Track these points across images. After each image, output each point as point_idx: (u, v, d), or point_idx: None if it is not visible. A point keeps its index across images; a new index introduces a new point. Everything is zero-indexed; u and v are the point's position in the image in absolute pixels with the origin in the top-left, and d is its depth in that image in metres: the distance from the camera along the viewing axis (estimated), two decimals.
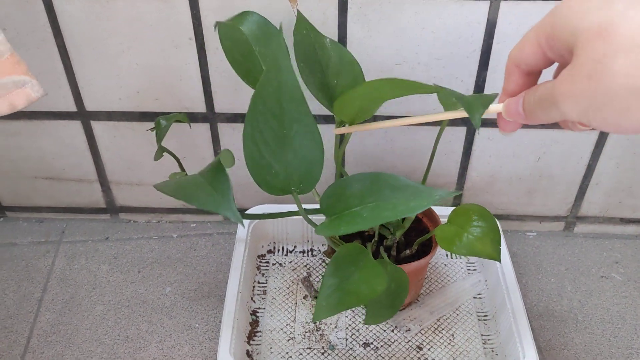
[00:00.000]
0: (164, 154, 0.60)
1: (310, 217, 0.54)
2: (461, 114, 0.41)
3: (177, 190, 0.48)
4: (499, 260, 0.53)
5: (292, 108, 0.46)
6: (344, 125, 0.51)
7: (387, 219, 0.43)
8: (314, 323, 0.66)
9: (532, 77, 0.38)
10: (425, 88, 0.41)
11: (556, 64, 0.37)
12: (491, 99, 0.40)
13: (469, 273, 0.72)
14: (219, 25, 0.56)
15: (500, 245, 0.53)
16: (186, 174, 0.60)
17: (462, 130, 0.68)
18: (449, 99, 0.54)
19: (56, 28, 0.62)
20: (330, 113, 0.55)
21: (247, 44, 0.56)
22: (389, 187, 0.44)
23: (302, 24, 0.56)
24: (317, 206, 0.52)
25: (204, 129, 0.69)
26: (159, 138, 0.59)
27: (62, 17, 0.61)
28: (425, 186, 0.44)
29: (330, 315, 0.49)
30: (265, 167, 0.49)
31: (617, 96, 0.30)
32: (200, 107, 0.67)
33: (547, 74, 0.39)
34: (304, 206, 0.54)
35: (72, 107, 0.68)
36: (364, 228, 0.45)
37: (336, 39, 0.61)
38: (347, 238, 0.64)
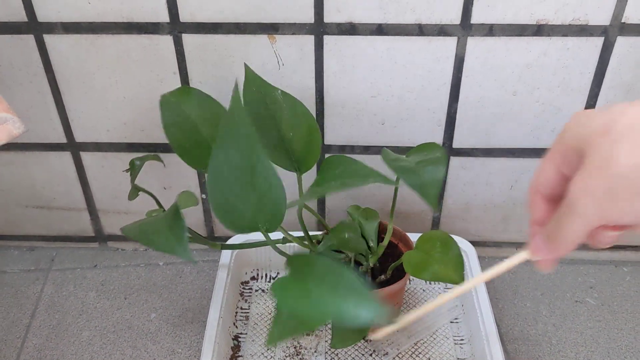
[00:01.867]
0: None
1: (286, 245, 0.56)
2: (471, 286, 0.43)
3: (140, 235, 0.50)
4: (461, 284, 0.55)
5: (252, 154, 0.48)
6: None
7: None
8: (294, 347, 0.67)
9: (555, 203, 0.38)
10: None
11: None
12: (440, 175, 0.47)
13: None
14: (162, 106, 0.58)
15: (463, 270, 0.55)
16: (163, 210, 0.62)
17: None
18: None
19: (47, 63, 0.65)
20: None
21: (194, 127, 0.58)
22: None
23: (252, 82, 0.59)
24: (296, 234, 0.54)
25: None
26: (133, 178, 0.61)
27: (53, 53, 0.64)
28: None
29: (283, 340, 0.50)
30: (230, 211, 0.50)
31: (628, 179, 0.31)
32: None
33: None
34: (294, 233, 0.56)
35: (62, 139, 0.71)
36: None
37: (313, 73, 0.65)
38: None
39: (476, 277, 0.44)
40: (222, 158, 0.48)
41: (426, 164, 0.52)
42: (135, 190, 0.61)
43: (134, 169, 0.60)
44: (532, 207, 0.40)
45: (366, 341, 0.68)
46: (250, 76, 0.59)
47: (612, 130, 0.32)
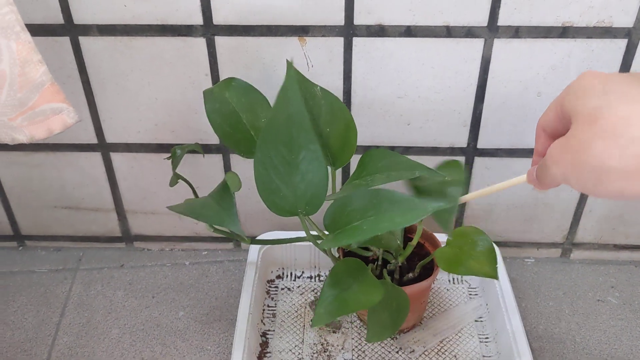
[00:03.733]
0: (179, 181, 0.64)
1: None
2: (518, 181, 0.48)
3: (187, 210, 0.52)
4: (497, 278, 0.56)
5: (300, 136, 0.50)
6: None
7: (385, 229, 0.47)
8: (319, 334, 0.68)
9: (554, 139, 0.43)
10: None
11: None
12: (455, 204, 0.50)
13: (470, 297, 0.74)
14: (205, 97, 0.60)
15: (496, 264, 0.56)
16: None
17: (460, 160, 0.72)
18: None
19: (81, 65, 0.66)
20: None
21: (235, 114, 0.60)
22: (387, 201, 0.48)
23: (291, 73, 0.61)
24: (324, 231, 0.56)
25: (217, 159, 0.73)
26: (174, 166, 0.63)
27: (87, 55, 0.66)
28: (419, 199, 0.47)
29: (329, 321, 0.52)
30: (274, 191, 0.53)
31: (593, 171, 0.36)
32: (214, 139, 0.72)
33: None
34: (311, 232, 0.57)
35: (93, 140, 0.72)
36: (363, 239, 0.48)
37: (341, 75, 0.66)
38: None
39: (483, 190, 0.53)
40: (272, 137, 0.49)
41: (444, 186, 0.54)
42: (175, 178, 0.62)
43: (175, 157, 0.62)
44: (537, 140, 0.46)
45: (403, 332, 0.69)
46: (290, 69, 0.61)
47: (596, 124, 0.36)
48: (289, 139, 0.51)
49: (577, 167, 0.37)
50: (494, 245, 0.74)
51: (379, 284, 0.54)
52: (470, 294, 0.75)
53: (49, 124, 0.51)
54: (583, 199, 0.75)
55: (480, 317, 0.72)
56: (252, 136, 0.60)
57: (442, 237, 0.69)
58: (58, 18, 0.63)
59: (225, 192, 0.50)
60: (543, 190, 0.46)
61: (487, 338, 0.70)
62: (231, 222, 0.48)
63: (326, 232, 0.61)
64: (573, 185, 0.39)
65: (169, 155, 0.65)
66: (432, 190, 0.53)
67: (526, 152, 0.71)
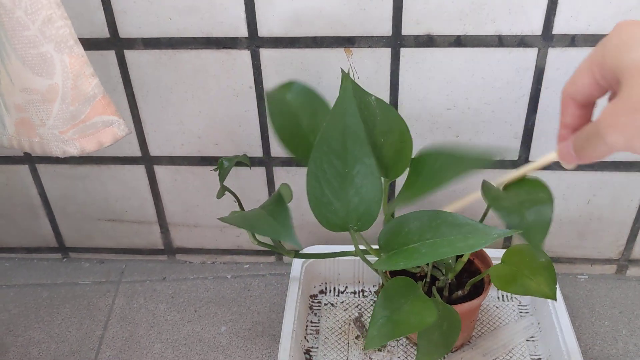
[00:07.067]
0: (225, 193, 0.63)
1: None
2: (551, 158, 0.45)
3: (241, 221, 0.51)
4: (555, 299, 0.53)
5: (355, 149, 0.48)
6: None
7: (445, 255, 0.45)
8: (364, 352, 0.66)
9: (587, 109, 0.40)
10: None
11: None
12: (547, 219, 0.45)
13: (521, 315, 0.72)
14: (267, 98, 0.59)
15: (555, 284, 0.53)
16: None
17: None
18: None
19: (126, 78, 0.66)
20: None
21: (294, 116, 0.59)
22: (447, 224, 0.46)
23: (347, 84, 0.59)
24: (372, 247, 0.54)
25: (260, 172, 0.72)
26: (222, 178, 0.62)
27: (132, 68, 0.66)
28: (482, 224, 0.45)
29: (382, 344, 0.50)
30: (326, 205, 0.51)
31: None
32: (258, 152, 0.71)
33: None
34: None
35: (137, 152, 0.72)
36: (421, 263, 0.46)
37: (388, 86, 0.64)
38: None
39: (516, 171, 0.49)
40: (326, 149, 0.48)
41: (530, 205, 0.50)
42: (222, 190, 0.61)
43: (222, 169, 0.61)
44: (564, 111, 0.41)
45: (451, 351, 0.67)
46: (346, 78, 0.59)
47: None
48: (344, 151, 0.50)
49: None
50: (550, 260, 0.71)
51: (432, 303, 0.52)
52: (520, 312, 0.72)
53: (100, 137, 0.51)
54: None
55: (532, 337, 0.69)
56: (310, 142, 0.59)
57: (492, 253, 0.67)
58: (104, 32, 0.63)
59: (280, 204, 0.49)
60: (576, 164, 0.42)
61: (539, 359, 0.67)
62: (288, 236, 0.47)
63: (374, 247, 0.60)
64: (638, 149, 0.34)
65: (213, 167, 0.64)
66: (515, 210, 0.49)
67: (580, 165, 0.68)
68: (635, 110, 0.33)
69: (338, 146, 0.48)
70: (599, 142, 0.36)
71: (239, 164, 0.67)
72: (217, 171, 0.62)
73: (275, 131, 0.58)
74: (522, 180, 0.54)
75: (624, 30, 0.35)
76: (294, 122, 0.57)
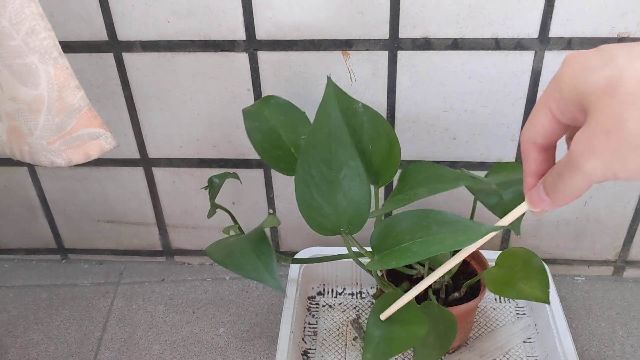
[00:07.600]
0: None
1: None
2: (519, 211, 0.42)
3: (225, 259, 0.51)
4: (548, 303, 0.53)
5: (340, 152, 0.49)
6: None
7: (436, 252, 0.45)
8: (360, 351, 0.67)
9: (549, 152, 0.38)
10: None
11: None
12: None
13: (518, 317, 0.72)
14: (244, 115, 0.59)
15: (548, 288, 0.54)
16: (239, 226, 0.62)
17: None
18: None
19: (125, 81, 0.67)
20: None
21: (274, 131, 0.59)
22: (437, 222, 0.46)
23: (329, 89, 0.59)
24: (366, 249, 0.54)
25: (257, 174, 0.73)
26: (212, 197, 0.62)
27: (131, 71, 0.66)
28: (472, 220, 0.45)
29: None
30: (316, 209, 0.52)
31: (638, 146, 0.31)
32: (255, 154, 0.71)
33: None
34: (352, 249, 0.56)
35: (135, 155, 0.72)
36: (413, 261, 0.47)
37: (385, 89, 0.65)
38: (395, 281, 0.65)
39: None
40: (312, 154, 0.48)
41: (508, 186, 0.51)
42: (213, 208, 0.61)
43: (212, 187, 0.61)
44: (526, 158, 0.39)
45: (448, 353, 0.67)
46: (331, 85, 0.60)
47: (619, 90, 0.31)
48: (329, 155, 0.50)
49: (619, 149, 0.31)
50: (543, 263, 0.71)
51: (422, 317, 0.52)
52: (517, 314, 0.72)
53: (86, 149, 0.51)
54: (638, 214, 0.72)
55: (529, 338, 0.69)
56: (292, 153, 0.59)
57: (489, 255, 0.67)
58: (102, 35, 0.63)
59: (262, 242, 0.49)
60: (544, 210, 0.39)
61: None
62: (271, 280, 0.47)
63: (367, 249, 0.60)
64: (619, 173, 0.32)
65: (209, 170, 0.64)
66: (492, 191, 0.49)
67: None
68: (608, 131, 0.31)
69: (324, 150, 0.49)
70: (575, 175, 0.34)
71: (234, 166, 0.67)
72: (208, 190, 0.62)
73: (254, 147, 0.58)
74: (500, 165, 0.55)
75: (571, 61, 0.34)
76: (274, 137, 0.58)
